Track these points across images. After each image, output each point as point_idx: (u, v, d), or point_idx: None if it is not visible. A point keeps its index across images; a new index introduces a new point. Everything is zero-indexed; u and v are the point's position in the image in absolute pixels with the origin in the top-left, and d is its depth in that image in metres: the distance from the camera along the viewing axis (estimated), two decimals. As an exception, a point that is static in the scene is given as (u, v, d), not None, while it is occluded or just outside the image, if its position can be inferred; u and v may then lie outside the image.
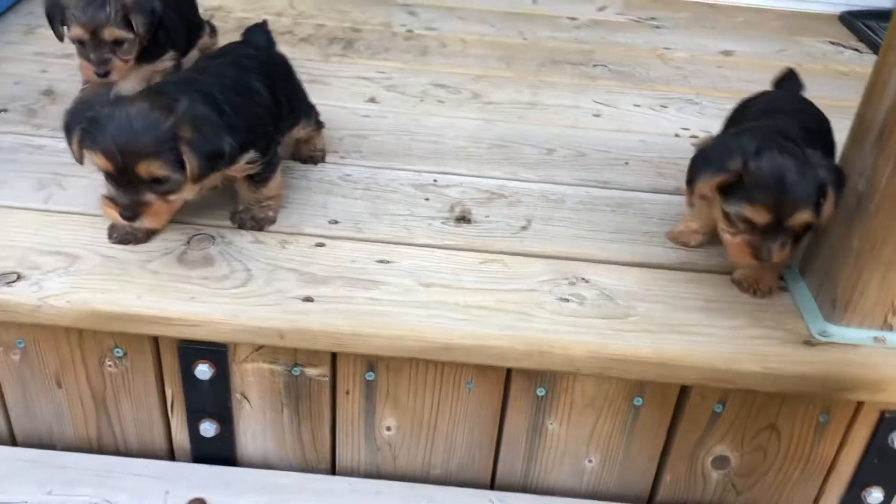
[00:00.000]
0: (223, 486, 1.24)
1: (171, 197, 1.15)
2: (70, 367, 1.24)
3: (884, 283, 1.17)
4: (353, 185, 1.51)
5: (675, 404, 1.23)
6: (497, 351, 1.17)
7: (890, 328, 1.21)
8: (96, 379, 1.25)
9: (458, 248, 1.35)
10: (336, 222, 1.39)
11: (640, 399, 1.22)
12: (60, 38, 1.49)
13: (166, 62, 1.60)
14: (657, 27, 2.40)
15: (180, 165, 1.12)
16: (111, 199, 1.14)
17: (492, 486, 1.32)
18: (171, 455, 1.33)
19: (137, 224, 1.16)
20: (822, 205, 1.13)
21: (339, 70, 1.95)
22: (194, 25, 1.77)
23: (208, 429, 1.26)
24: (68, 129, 1.14)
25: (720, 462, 1.27)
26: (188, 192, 1.17)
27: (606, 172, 1.62)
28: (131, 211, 1.13)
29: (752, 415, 1.22)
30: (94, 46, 1.45)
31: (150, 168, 1.11)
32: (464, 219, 1.43)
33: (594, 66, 2.10)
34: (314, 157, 1.55)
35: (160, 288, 1.20)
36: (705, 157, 1.19)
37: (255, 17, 2.19)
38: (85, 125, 1.11)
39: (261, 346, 1.20)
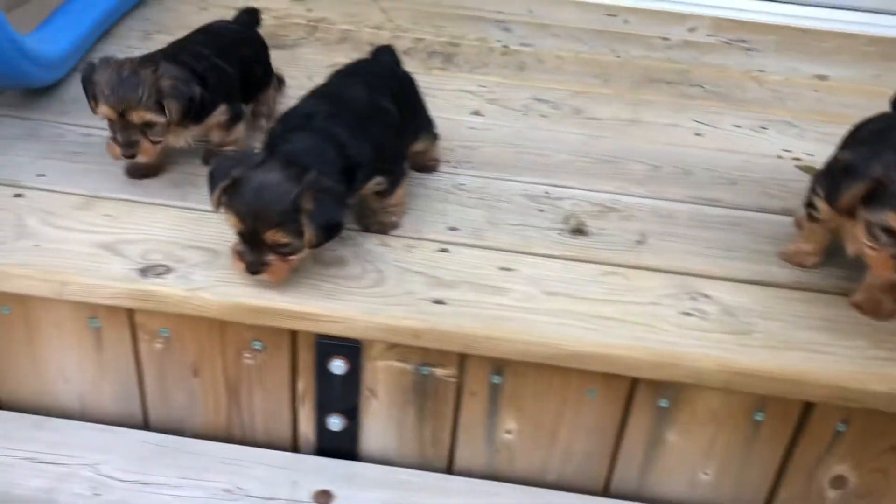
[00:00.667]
0: (347, 479, 1.29)
1: (292, 258, 1.21)
2: (209, 356, 1.30)
3: None
4: (468, 194, 1.55)
5: (797, 421, 1.24)
6: (625, 360, 1.19)
7: None
8: (233, 369, 1.31)
9: (576, 259, 1.39)
10: (455, 229, 1.44)
11: (762, 414, 1.24)
12: (93, 111, 1.39)
13: (218, 117, 1.47)
14: (748, 49, 2.41)
15: (301, 232, 1.18)
16: (239, 254, 1.21)
17: (605, 493, 1.35)
18: (294, 446, 1.37)
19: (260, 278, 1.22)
20: None
21: (443, 83, 2.00)
22: (255, 79, 1.64)
23: (336, 423, 1.31)
24: (212, 181, 1.20)
25: (838, 482, 1.28)
26: (307, 254, 1.23)
27: (714, 190, 1.64)
28: (255, 267, 1.20)
29: (874, 436, 1.23)
30: (121, 127, 1.34)
31: (275, 236, 1.17)
32: (579, 231, 1.47)
33: (690, 85, 2.12)
34: (430, 167, 1.60)
35: (299, 285, 1.25)
36: (844, 169, 1.19)
37: (355, 30, 2.27)
38: (227, 183, 1.18)
39: (394, 345, 1.25)
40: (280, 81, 1.77)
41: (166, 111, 1.34)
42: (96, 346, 1.33)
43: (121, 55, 1.59)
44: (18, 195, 1.41)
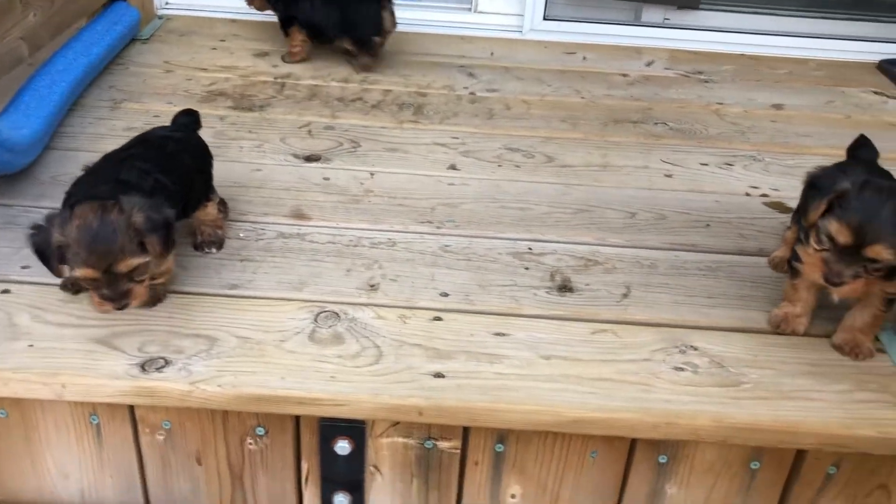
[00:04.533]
0: (358, 556, 1.29)
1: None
2: (212, 445, 1.30)
3: None
4: (455, 256, 1.57)
5: (790, 467, 1.29)
6: (626, 423, 1.23)
7: None
8: (236, 456, 1.31)
9: (567, 319, 1.42)
10: (447, 294, 1.46)
11: (758, 463, 1.28)
12: (58, 275, 1.27)
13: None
14: (705, 81, 2.49)
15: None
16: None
17: (610, 547, 1.38)
18: (301, 526, 1.38)
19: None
20: None
21: (416, 137, 2.03)
22: (195, 193, 1.48)
23: (342, 500, 1.32)
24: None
25: (832, 520, 1.33)
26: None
27: (691, 235, 1.69)
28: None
29: (864, 475, 1.28)
30: (107, 282, 1.22)
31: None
32: (566, 287, 1.50)
33: (655, 123, 2.18)
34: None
35: (300, 368, 1.26)
36: (811, 184, 1.27)
37: (324, 85, 2.28)
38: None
39: (398, 422, 1.26)
40: (223, 204, 1.59)
41: (149, 249, 1.23)
42: (96, 442, 1.32)
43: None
44: (5, 291, 1.39)
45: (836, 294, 1.26)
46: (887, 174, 1.47)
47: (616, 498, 1.34)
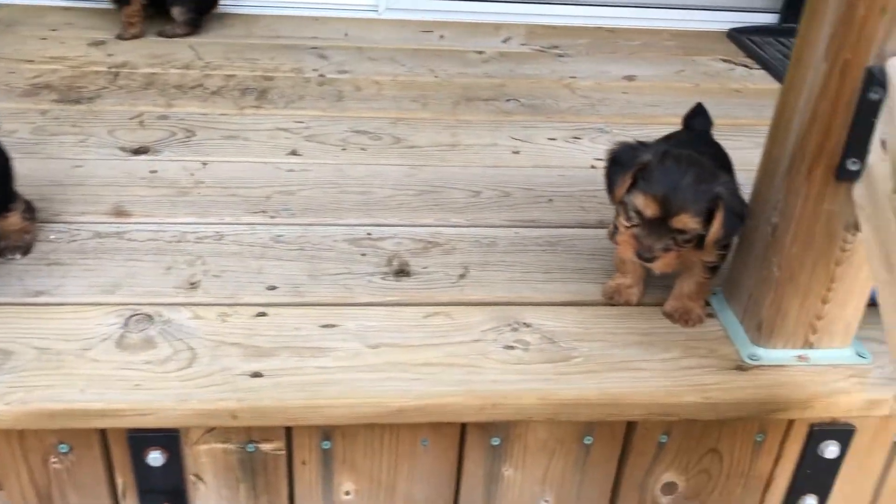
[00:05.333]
0: (184, 571, 1.22)
1: None
2: (12, 468, 1.19)
3: (803, 307, 1.25)
4: (287, 247, 1.50)
5: (623, 439, 1.28)
6: (451, 408, 1.19)
7: (810, 346, 1.30)
8: (41, 476, 1.21)
9: (400, 304, 1.37)
10: (274, 288, 1.39)
11: (591, 438, 1.27)
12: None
13: None
14: (560, 56, 2.48)
15: None
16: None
17: (453, 535, 1.35)
18: (124, 543, 1.29)
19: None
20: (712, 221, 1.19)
21: (256, 123, 1.94)
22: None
23: (164, 514, 1.24)
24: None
25: (669, 488, 1.33)
26: None
27: (533, 211, 1.67)
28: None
29: (694, 441, 1.29)
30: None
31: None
32: (402, 272, 1.45)
33: (507, 100, 2.15)
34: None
35: (103, 378, 1.17)
36: (613, 160, 1.26)
37: (162, 73, 2.16)
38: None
39: (213, 428, 1.19)
40: (30, 209, 1.44)
41: None
42: None
43: None
44: None
45: (653, 269, 1.25)
46: (716, 145, 1.48)
47: (454, 484, 1.30)
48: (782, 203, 1.22)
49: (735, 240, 1.33)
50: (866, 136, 1.10)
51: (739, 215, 1.21)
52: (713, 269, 1.32)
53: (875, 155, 1.09)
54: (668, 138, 1.50)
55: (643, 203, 1.18)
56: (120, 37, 2.31)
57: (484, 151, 1.89)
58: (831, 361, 1.29)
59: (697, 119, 1.57)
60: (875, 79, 1.06)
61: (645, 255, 1.20)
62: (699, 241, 1.21)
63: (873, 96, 1.07)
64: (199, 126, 1.89)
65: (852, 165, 1.12)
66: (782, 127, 1.22)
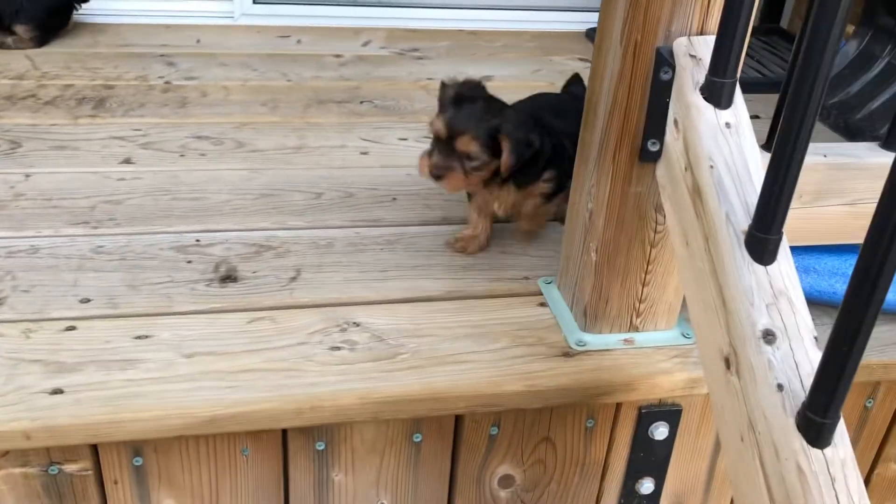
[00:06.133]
0: None
1: None
2: None
3: (623, 290, 1.26)
4: (108, 257, 1.42)
5: (452, 434, 1.26)
6: (267, 414, 1.14)
7: (636, 329, 1.31)
8: None
9: (223, 311, 1.32)
10: (88, 300, 1.31)
11: (419, 435, 1.24)
12: None
13: None
14: (419, 58, 2.47)
15: None
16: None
17: (288, 547, 1.29)
18: (-80, 587, 1.18)
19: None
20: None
21: (90, 133, 1.85)
22: None
23: (-41, 551, 1.14)
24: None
25: (506, 481, 1.31)
26: None
27: (376, 210, 1.64)
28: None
29: (526, 431, 1.28)
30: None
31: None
32: (229, 277, 1.40)
33: (360, 102, 2.13)
34: None
35: None
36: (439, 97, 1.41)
37: (-9, 82, 2.04)
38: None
39: (7, 451, 1.10)
40: None
41: None
42: None
43: None
44: None
45: (446, 188, 1.39)
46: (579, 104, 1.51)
47: (282, 494, 1.25)
48: (595, 188, 1.22)
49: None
50: (662, 116, 1.11)
51: (527, 143, 1.33)
52: (547, 197, 1.44)
53: (670, 134, 1.10)
54: (538, 96, 1.63)
55: (434, 125, 1.34)
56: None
57: (331, 153, 1.86)
58: (656, 343, 1.30)
59: (575, 86, 1.72)
60: (664, 59, 1.08)
61: (434, 172, 1.34)
62: (495, 172, 1.36)
63: (664, 76, 1.09)
64: (26, 137, 1.79)
65: (652, 146, 1.14)
66: (591, 113, 1.23)
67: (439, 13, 2.73)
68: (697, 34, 1.08)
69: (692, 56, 1.07)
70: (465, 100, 1.35)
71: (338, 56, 2.42)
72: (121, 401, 1.12)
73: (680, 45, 1.07)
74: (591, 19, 2.77)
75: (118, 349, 1.21)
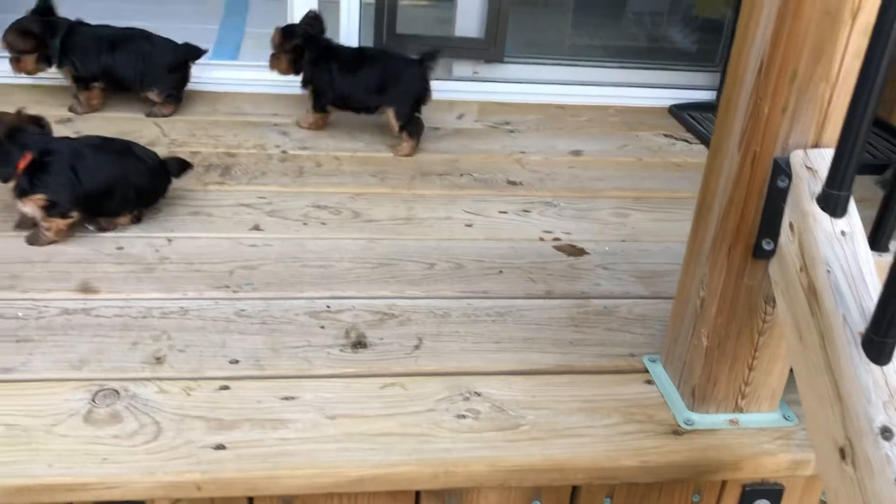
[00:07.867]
0: None
1: None
2: (-23, 544, 1.23)
3: (731, 374, 1.36)
4: (250, 320, 1.57)
5: (569, 502, 1.36)
6: (405, 476, 1.26)
7: (740, 410, 1.40)
8: (6, 553, 1.24)
9: (357, 375, 1.44)
10: (237, 362, 1.45)
11: (538, 502, 1.34)
12: None
13: None
14: (511, 131, 2.62)
15: None
16: None
17: None
18: None
19: None
20: None
21: (220, 199, 2.02)
22: None
23: (127, 586, 1.27)
24: None
25: (614, 548, 1.40)
26: None
27: (484, 282, 1.76)
28: None
29: (636, 502, 1.37)
30: None
31: None
32: (360, 343, 1.53)
33: (461, 175, 2.27)
34: None
35: (70, 452, 1.22)
36: None
37: (128, 149, 2.23)
38: None
39: (178, 500, 1.24)
40: None
41: None
42: None
43: None
44: None
45: None
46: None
47: (409, 550, 1.36)
48: (707, 278, 1.33)
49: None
50: (777, 219, 1.21)
51: None
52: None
53: (785, 236, 1.21)
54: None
55: None
56: (73, 111, 2.42)
57: (439, 224, 1.99)
58: (760, 424, 1.39)
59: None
60: (781, 169, 1.19)
61: None
62: None
63: (781, 184, 1.19)
64: (164, 203, 1.97)
65: (766, 245, 1.24)
66: (705, 208, 1.34)
67: (527, 87, 2.88)
68: (813, 147, 1.19)
69: (808, 168, 1.17)
70: None
71: (436, 129, 2.58)
72: (276, 458, 1.25)
73: (797, 157, 1.18)
74: (673, 96, 2.92)
75: (269, 409, 1.34)
